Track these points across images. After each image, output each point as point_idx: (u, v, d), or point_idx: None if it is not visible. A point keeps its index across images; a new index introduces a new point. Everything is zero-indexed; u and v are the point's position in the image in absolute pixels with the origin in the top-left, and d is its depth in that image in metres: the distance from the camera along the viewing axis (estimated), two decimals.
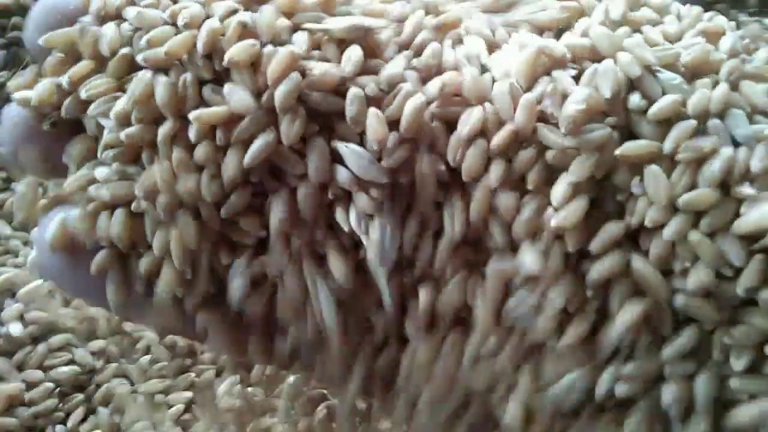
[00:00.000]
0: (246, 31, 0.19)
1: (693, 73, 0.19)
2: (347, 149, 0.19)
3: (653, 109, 0.18)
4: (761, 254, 0.17)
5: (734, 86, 0.19)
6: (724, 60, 0.19)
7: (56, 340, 0.36)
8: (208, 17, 0.20)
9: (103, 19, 0.21)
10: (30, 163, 0.22)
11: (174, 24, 0.20)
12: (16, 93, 0.22)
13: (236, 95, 0.19)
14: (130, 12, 0.20)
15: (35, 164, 0.22)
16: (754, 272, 0.17)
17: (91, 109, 0.20)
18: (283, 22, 0.20)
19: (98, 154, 0.21)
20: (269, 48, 0.19)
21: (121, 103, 0.20)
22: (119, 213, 0.20)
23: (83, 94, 0.20)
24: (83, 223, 0.21)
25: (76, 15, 0.21)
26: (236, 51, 0.19)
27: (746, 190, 0.17)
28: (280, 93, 0.19)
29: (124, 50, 0.20)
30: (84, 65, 0.21)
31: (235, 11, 0.20)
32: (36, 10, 0.22)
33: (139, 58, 0.20)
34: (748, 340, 0.17)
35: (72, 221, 0.21)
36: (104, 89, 0.20)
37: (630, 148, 0.18)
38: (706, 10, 0.52)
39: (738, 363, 0.17)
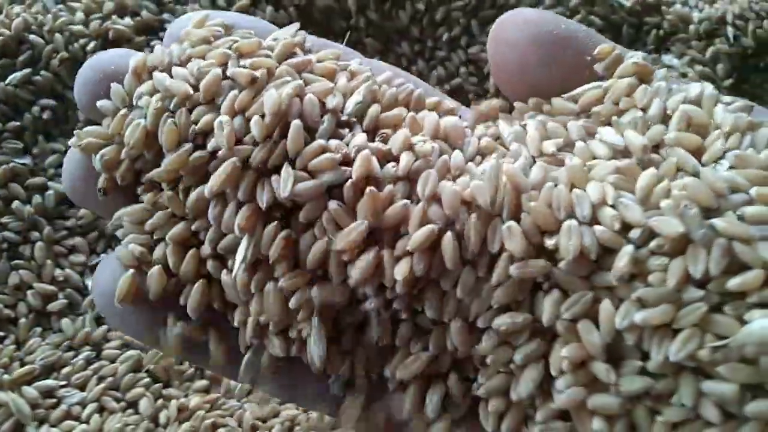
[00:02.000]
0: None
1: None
2: None
3: None
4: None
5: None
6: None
7: None
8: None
9: (138, 77, 0.24)
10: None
11: (196, 87, 0.23)
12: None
13: None
14: (159, 80, 0.23)
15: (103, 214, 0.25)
16: None
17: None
18: None
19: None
20: None
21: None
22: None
23: (97, 164, 0.24)
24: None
25: (117, 74, 0.24)
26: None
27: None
28: None
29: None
30: (111, 149, 0.24)
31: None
32: (83, 69, 0.25)
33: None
34: None
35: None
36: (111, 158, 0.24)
37: None
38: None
39: None
